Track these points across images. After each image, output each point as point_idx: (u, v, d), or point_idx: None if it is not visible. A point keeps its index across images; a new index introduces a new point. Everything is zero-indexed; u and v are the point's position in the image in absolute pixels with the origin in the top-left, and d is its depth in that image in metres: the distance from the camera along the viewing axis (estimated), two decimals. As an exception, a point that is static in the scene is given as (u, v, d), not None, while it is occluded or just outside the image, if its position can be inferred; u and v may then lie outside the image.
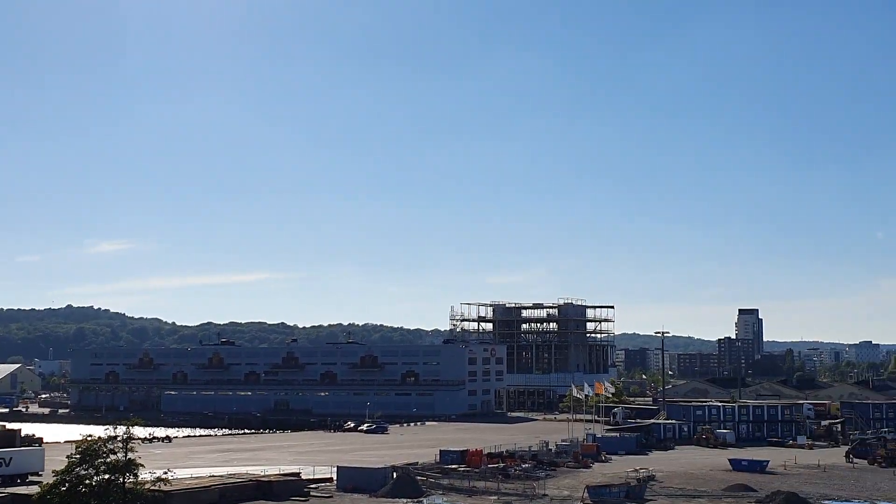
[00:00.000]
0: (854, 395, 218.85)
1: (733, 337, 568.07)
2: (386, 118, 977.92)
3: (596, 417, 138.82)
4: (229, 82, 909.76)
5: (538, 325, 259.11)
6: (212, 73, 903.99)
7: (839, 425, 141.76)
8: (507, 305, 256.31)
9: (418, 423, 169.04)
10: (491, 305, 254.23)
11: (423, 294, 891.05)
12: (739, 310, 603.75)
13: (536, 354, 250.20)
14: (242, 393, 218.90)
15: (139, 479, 57.46)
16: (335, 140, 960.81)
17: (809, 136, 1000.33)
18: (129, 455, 56.63)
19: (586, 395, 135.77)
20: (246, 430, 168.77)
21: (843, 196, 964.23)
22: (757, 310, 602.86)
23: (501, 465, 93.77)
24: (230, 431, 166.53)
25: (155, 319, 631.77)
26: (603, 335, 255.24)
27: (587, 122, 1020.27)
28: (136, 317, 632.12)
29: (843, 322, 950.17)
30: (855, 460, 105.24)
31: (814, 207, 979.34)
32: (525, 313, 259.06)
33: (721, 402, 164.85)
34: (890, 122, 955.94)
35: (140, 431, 79.00)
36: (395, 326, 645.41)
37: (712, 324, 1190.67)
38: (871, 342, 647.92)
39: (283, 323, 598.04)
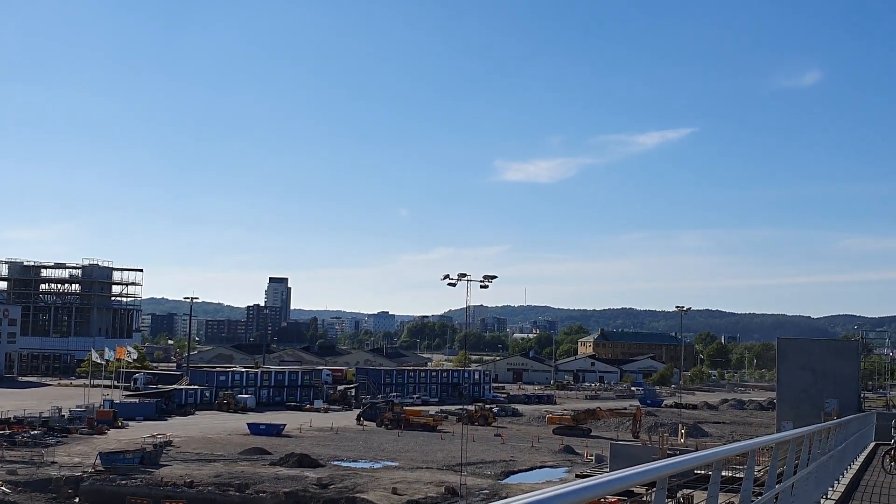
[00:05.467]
0: (369, 361, 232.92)
1: (262, 304, 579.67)
2: None
3: (116, 383, 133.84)
4: None
5: (59, 285, 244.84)
6: None
7: (354, 390, 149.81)
8: (25, 263, 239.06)
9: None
10: (6, 262, 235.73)
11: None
12: (270, 278, 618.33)
13: (55, 317, 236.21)
14: None
15: None
16: None
17: (350, 116, 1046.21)
18: None
19: (107, 360, 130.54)
20: None
21: (371, 173, 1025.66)
22: (286, 278, 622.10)
23: (7, 431, 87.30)
24: None
25: None
26: (129, 299, 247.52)
27: (127, 79, 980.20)
28: None
29: (364, 293, 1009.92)
30: (365, 423, 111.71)
31: (343, 182, 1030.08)
32: (45, 273, 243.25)
33: (245, 367, 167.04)
34: (423, 114, 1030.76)
35: None
36: None
37: (242, 291, 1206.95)
38: (388, 312, 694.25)
39: None
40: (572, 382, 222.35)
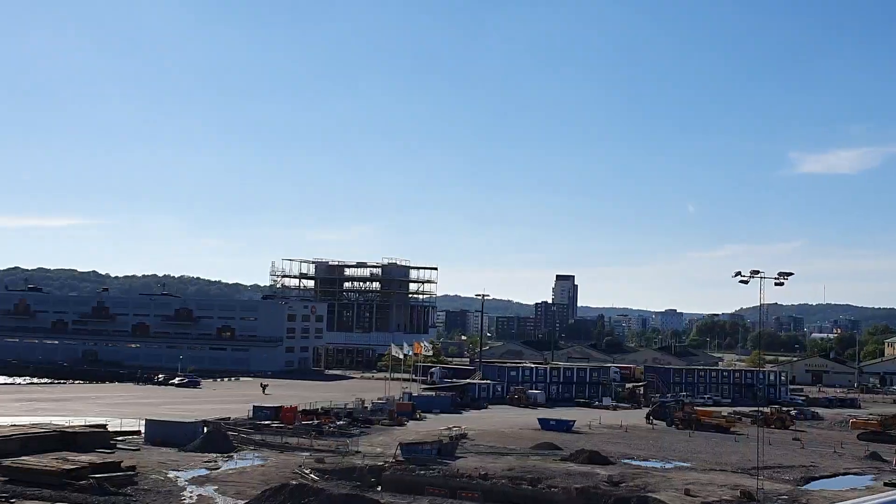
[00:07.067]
0: (657, 359, 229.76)
1: (550, 301, 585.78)
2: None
3: (413, 377, 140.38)
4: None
5: (360, 283, 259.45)
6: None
7: (642, 388, 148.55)
8: (330, 263, 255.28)
9: (232, 379, 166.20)
10: (313, 262, 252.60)
11: (243, 248, 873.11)
12: (557, 276, 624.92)
13: (358, 313, 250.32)
14: (49, 342, 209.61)
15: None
16: (155, 85, 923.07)
17: (636, 112, 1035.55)
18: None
19: (405, 355, 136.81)
20: (52, 380, 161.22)
21: (658, 170, 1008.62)
22: (573, 276, 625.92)
23: (315, 422, 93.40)
24: (35, 381, 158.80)
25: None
26: (425, 296, 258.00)
27: (426, 86, 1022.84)
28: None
29: (651, 290, 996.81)
30: (655, 422, 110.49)
31: (629, 180, 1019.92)
32: (348, 272, 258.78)
33: (535, 363, 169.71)
34: (712, 108, 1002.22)
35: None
36: (213, 280, 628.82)
37: (530, 288, 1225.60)
38: (675, 310, 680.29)
39: (94, 271, 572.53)
40: (878, 386, 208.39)
